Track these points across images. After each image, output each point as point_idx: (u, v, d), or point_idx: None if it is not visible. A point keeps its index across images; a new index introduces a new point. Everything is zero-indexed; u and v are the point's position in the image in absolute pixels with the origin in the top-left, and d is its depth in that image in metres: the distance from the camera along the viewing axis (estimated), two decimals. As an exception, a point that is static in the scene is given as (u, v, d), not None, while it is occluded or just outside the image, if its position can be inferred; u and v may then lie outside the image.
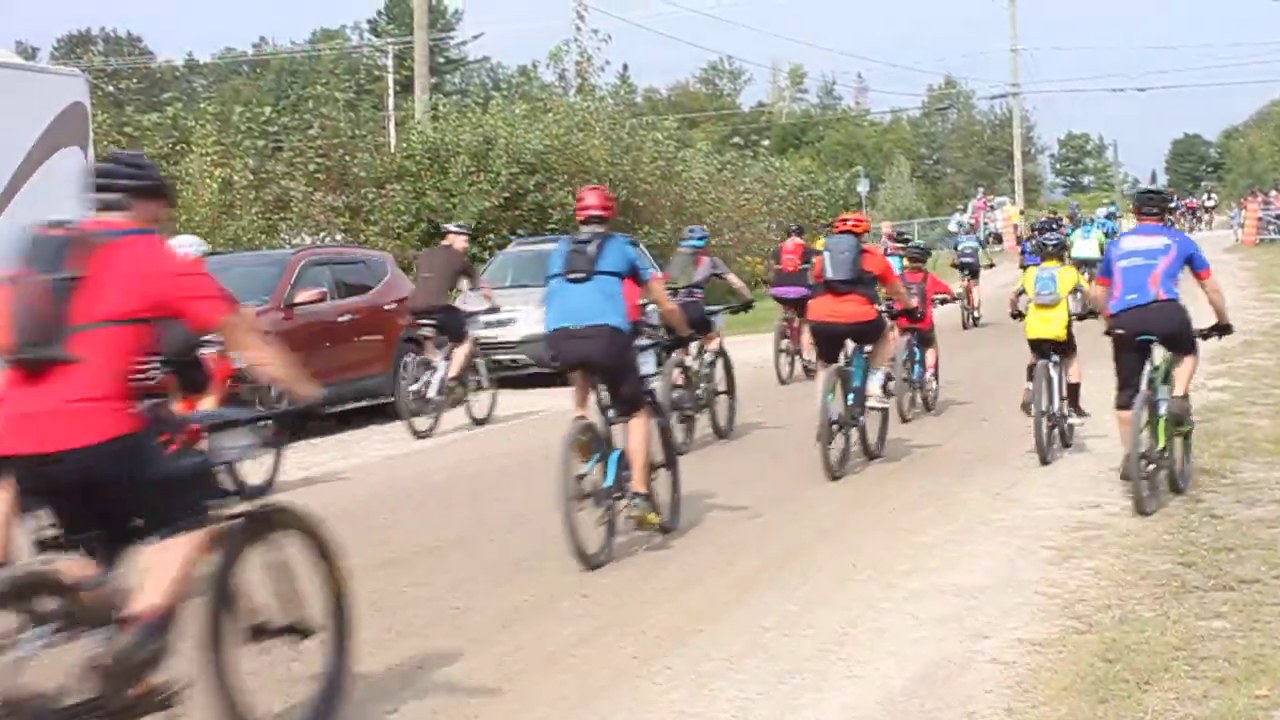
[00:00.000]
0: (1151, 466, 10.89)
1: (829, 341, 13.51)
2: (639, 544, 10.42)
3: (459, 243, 18.67)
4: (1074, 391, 13.78)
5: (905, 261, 18.62)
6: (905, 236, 26.97)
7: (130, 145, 26.81)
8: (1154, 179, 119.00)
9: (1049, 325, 13.56)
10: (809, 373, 20.78)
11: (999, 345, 23.52)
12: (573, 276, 10.14)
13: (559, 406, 19.68)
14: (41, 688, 5.21)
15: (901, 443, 14.64)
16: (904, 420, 16.03)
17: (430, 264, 18.61)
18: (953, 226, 53.94)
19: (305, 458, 15.74)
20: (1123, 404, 11.13)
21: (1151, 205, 11.68)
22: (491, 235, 31.86)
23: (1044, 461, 13.12)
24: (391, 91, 49.52)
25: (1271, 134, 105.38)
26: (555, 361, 10.55)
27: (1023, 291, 14.28)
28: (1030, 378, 13.44)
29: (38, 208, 13.61)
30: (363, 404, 18.61)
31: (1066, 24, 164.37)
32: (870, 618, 8.21)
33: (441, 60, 77.27)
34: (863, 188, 66.99)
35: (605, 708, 6.79)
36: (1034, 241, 30.71)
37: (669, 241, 33.50)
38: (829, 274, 13.30)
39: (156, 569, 5.57)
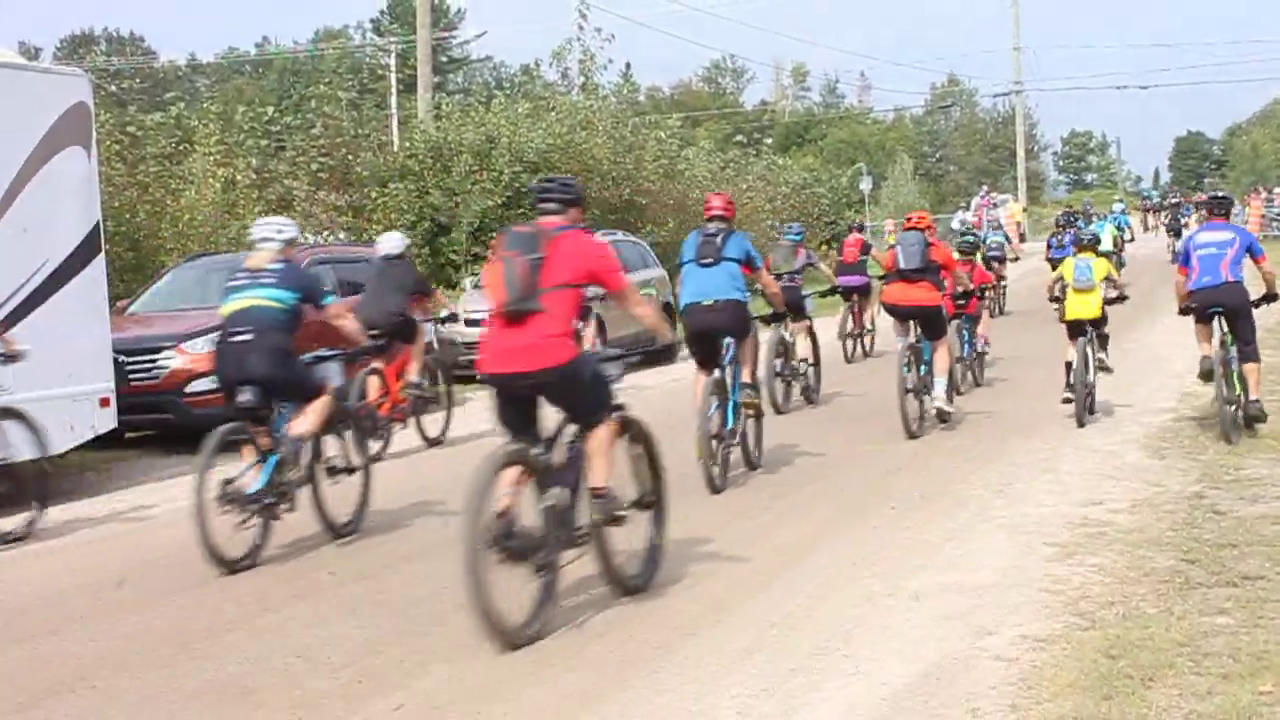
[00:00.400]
0: (1230, 407, 13.76)
1: (901, 320, 15.94)
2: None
3: None
4: (1104, 340, 16.59)
5: (957, 254, 20.47)
6: (972, 232, 28.99)
7: (133, 145, 26.73)
8: (1157, 177, 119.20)
9: (1086, 307, 15.70)
10: (867, 354, 23.80)
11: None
12: (704, 262, 13.07)
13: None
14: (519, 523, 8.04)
15: (907, 441, 14.63)
16: (958, 393, 17.33)
17: None
18: (955, 224, 53.87)
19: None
20: (1200, 321, 14.33)
21: (1220, 207, 15.21)
22: (494, 234, 31.78)
23: (1080, 424, 15.17)
24: (394, 91, 49.50)
25: (1274, 131, 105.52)
26: (691, 331, 13.23)
27: (1061, 279, 16.18)
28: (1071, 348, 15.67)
29: (41, 206, 13.64)
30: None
31: (1069, 22, 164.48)
32: (874, 615, 8.21)
33: (444, 59, 77.38)
34: (865, 185, 66.88)
35: (607, 706, 6.78)
36: (1059, 235, 34.10)
37: (672, 240, 33.44)
38: (901, 264, 15.64)
39: (594, 457, 8.47)
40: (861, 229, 27.08)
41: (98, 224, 14.65)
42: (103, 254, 14.79)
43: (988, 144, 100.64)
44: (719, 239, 13.10)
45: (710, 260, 12.95)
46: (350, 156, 32.57)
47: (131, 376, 15.84)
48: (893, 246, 16.29)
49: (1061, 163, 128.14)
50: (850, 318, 23.85)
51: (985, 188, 67.69)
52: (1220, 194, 16.01)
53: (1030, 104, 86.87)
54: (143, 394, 15.88)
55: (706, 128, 77.17)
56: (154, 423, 16.67)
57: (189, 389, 16.14)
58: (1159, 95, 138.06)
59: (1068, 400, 15.41)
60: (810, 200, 51.97)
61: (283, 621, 8.65)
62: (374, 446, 14.28)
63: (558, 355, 8.30)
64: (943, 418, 15.56)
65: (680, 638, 7.86)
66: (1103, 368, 16.22)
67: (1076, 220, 38.64)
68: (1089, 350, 15.54)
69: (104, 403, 14.19)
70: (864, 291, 23.80)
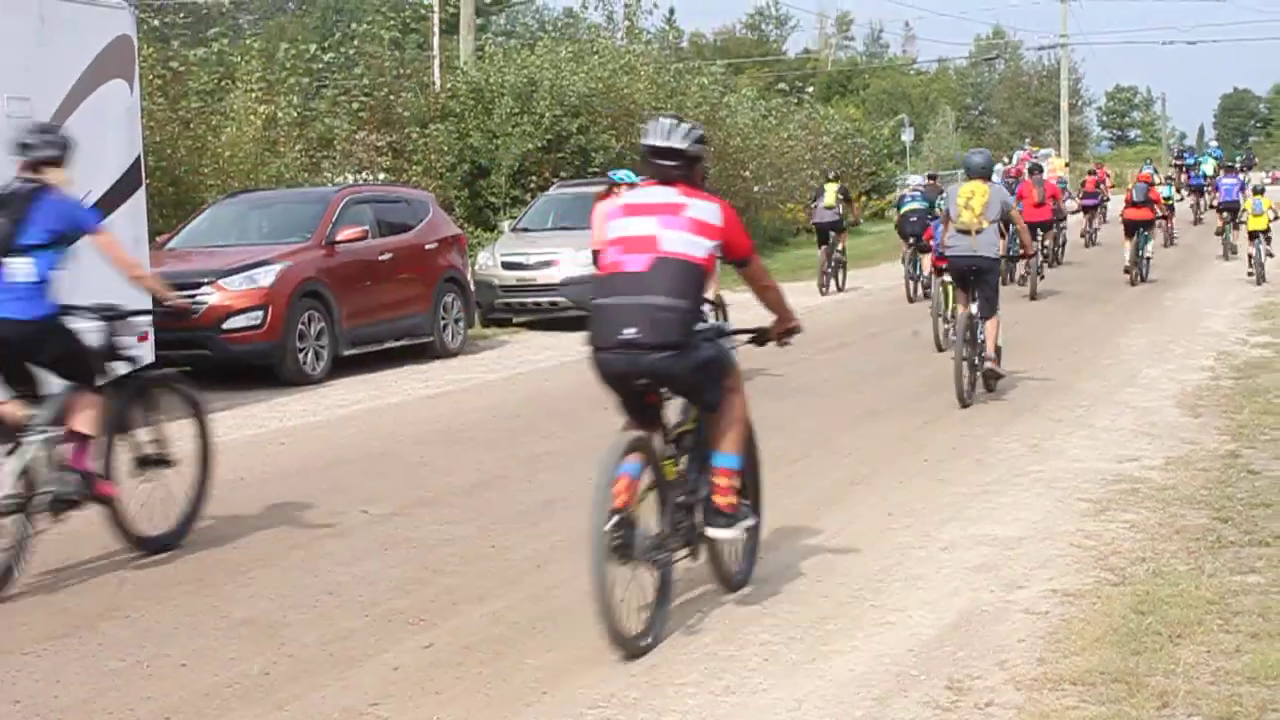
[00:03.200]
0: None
1: (1131, 230, 27.64)
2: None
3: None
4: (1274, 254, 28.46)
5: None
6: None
7: (175, 80, 26.75)
8: (1202, 134, 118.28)
9: (1260, 223, 27.24)
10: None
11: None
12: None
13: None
14: None
15: (939, 395, 14.60)
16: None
17: None
18: (995, 178, 53.82)
19: (343, 395, 15.79)
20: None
21: (1230, 168, 30.31)
22: (534, 178, 31.83)
23: (1259, 283, 26.47)
24: (437, 31, 49.37)
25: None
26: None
27: (1244, 209, 29.23)
28: (1250, 246, 27.82)
29: (84, 138, 13.63)
30: (401, 343, 18.66)
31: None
32: (905, 566, 8.21)
33: (487, 1, 77.08)
34: (907, 137, 66.68)
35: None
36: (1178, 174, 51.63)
37: (713, 186, 33.32)
38: (1135, 198, 28.22)
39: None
40: (1094, 173, 41.40)
41: (139, 158, 14.69)
42: (144, 188, 14.83)
43: (1031, 97, 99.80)
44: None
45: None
46: (391, 96, 32.54)
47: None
48: (1130, 189, 29.45)
49: (1105, 118, 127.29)
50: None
51: (1027, 141, 67.37)
52: (1229, 164, 34.51)
53: (1075, 58, 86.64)
54: (180, 329, 15.91)
55: (749, 75, 76.74)
56: (191, 358, 16.73)
57: (226, 325, 16.21)
58: (1206, 51, 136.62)
59: (1250, 273, 27.37)
60: (851, 150, 51.74)
61: (314, 558, 8.70)
62: None
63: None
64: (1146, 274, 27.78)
65: (710, 586, 7.86)
66: (1270, 254, 27.64)
67: (1186, 156, 58.65)
68: (1262, 246, 27.06)
69: (142, 337, 14.24)
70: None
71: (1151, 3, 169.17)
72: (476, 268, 23.01)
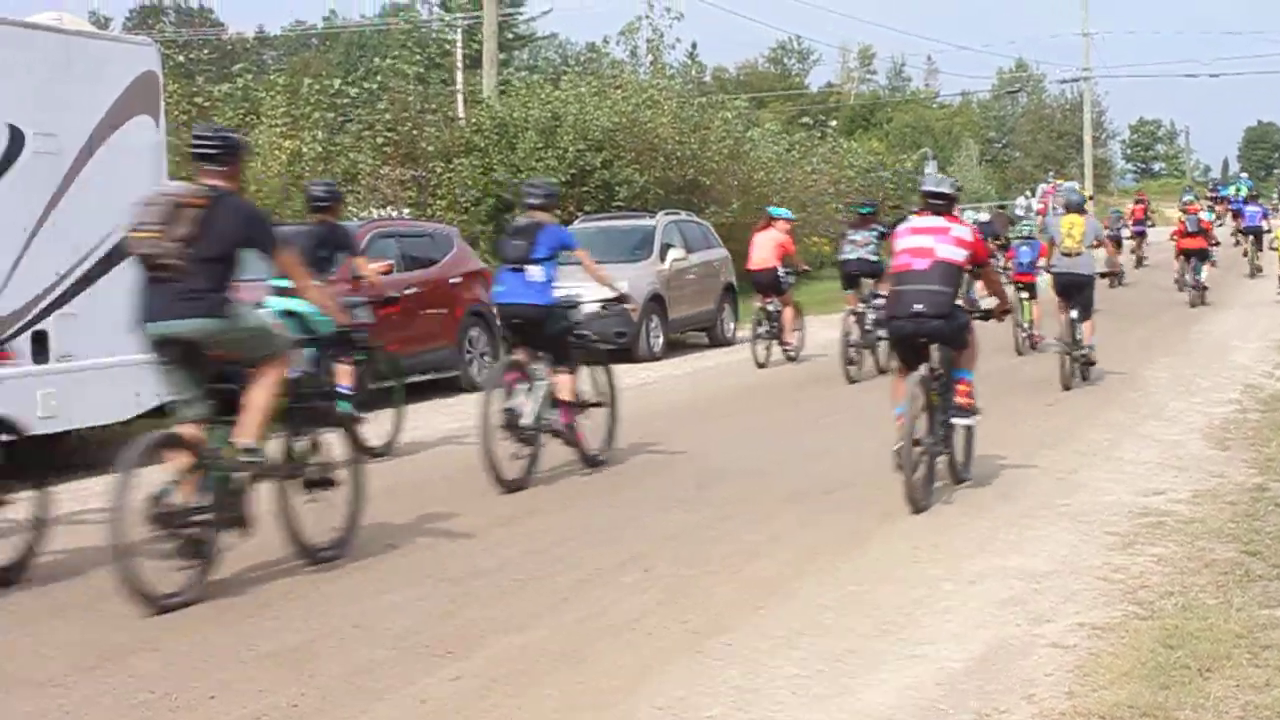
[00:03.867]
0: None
1: (1188, 257, 31.15)
2: (701, 519, 10.44)
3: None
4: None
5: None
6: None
7: (200, 115, 26.92)
8: (1226, 167, 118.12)
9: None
10: None
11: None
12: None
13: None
14: None
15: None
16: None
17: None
18: (1019, 210, 53.81)
19: (369, 429, 15.78)
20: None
21: (1253, 199, 33.85)
22: (557, 212, 31.81)
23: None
24: (460, 67, 49.59)
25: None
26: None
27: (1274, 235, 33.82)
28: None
29: (111, 173, 13.75)
30: (428, 377, 18.68)
31: (1138, 8, 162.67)
32: (932, 599, 8.19)
33: (510, 36, 77.31)
34: (930, 170, 66.57)
35: (663, 681, 6.80)
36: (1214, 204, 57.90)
37: (736, 220, 33.38)
38: (1188, 228, 31.06)
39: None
40: (1141, 203, 47.27)
41: (165, 193, 14.73)
42: (170, 223, 14.86)
43: (1054, 130, 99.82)
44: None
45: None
46: (415, 131, 32.65)
47: None
48: (1183, 220, 31.78)
49: (1129, 151, 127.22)
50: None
51: (1052, 175, 67.39)
52: (1255, 194, 41.14)
53: (1098, 91, 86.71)
54: (206, 363, 15.92)
55: (772, 109, 76.88)
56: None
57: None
58: (1229, 84, 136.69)
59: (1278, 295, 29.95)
60: (875, 184, 51.77)
61: (341, 590, 8.70)
62: None
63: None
64: (1205, 298, 30.27)
65: (735, 618, 7.88)
66: None
67: (1220, 189, 65.78)
68: None
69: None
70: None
71: (1173, 35, 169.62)
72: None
